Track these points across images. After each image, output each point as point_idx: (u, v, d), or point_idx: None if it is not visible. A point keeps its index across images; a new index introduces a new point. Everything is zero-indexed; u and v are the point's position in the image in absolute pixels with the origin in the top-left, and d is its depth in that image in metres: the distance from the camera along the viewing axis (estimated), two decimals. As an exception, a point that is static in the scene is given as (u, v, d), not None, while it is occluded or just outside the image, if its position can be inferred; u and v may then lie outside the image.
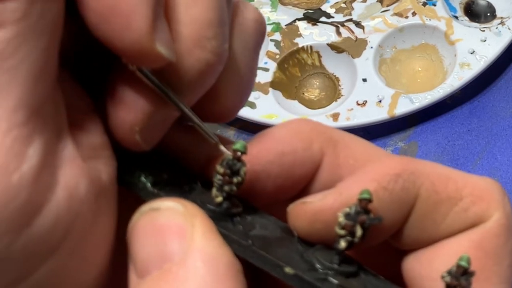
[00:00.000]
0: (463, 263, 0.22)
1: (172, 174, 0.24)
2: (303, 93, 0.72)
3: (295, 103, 0.71)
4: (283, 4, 0.77)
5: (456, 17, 0.72)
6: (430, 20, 0.72)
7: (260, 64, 0.71)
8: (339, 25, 0.74)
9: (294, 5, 0.77)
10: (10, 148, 0.19)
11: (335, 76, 0.73)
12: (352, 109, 0.68)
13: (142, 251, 0.22)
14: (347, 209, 0.23)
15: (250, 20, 0.25)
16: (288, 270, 0.22)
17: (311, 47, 0.73)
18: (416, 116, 0.69)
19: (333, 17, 0.75)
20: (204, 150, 0.25)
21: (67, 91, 0.22)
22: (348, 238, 0.23)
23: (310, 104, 0.71)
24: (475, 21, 0.73)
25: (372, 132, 0.69)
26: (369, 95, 0.68)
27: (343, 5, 0.76)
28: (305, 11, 0.76)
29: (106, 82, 0.23)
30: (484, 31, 0.70)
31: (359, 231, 0.23)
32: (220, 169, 0.23)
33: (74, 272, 0.21)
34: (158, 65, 0.21)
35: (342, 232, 0.23)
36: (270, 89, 0.71)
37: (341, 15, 0.75)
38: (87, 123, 0.22)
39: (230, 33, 0.24)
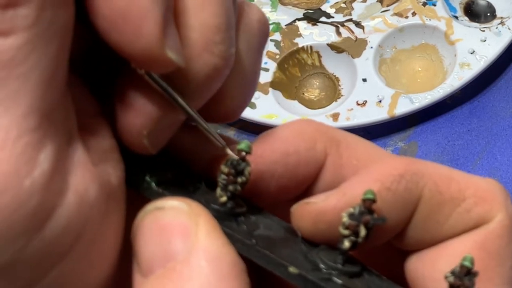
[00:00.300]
0: (467, 263, 0.22)
1: (177, 174, 0.24)
2: (303, 93, 0.72)
3: (295, 103, 0.71)
4: (283, 4, 0.77)
5: (456, 17, 0.73)
6: (430, 20, 0.72)
7: (260, 63, 0.71)
8: (339, 25, 0.74)
9: (294, 5, 0.77)
10: (21, 153, 0.19)
11: (335, 76, 0.73)
12: (352, 109, 0.68)
13: (147, 250, 0.22)
14: (351, 209, 0.23)
15: (254, 21, 0.25)
16: (292, 269, 0.22)
17: (311, 47, 0.73)
18: (416, 116, 0.69)
19: (333, 17, 0.75)
20: (208, 151, 0.25)
21: (76, 96, 0.22)
22: (352, 238, 0.23)
23: (310, 104, 0.71)
24: (475, 21, 0.73)
25: (372, 132, 0.69)
26: (369, 95, 0.68)
27: (343, 5, 0.76)
28: (305, 11, 0.76)
29: (114, 86, 0.23)
30: (484, 31, 0.70)
31: (363, 231, 0.23)
32: (225, 168, 0.23)
33: (83, 274, 0.21)
34: (168, 70, 0.21)
35: (346, 232, 0.23)
36: (270, 89, 0.71)
37: (341, 15, 0.75)
38: (96, 127, 0.22)
39: (235, 34, 0.24)
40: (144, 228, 0.22)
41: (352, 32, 0.73)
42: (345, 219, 0.23)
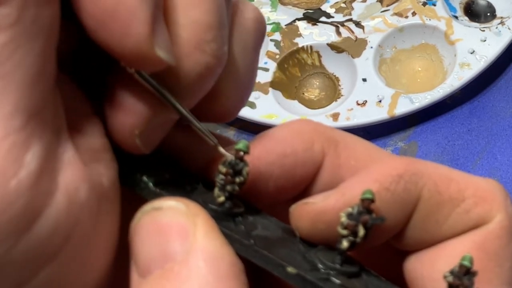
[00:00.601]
0: (466, 263, 0.22)
1: (174, 174, 0.24)
2: (303, 93, 0.72)
3: (295, 103, 0.71)
4: (283, 4, 0.77)
5: (456, 17, 0.72)
6: (430, 20, 0.72)
7: (260, 64, 0.71)
8: (339, 25, 0.74)
9: (294, 5, 0.77)
10: (7, 153, 0.19)
11: (335, 76, 0.73)
12: (352, 109, 0.68)
13: (144, 250, 0.22)
14: (350, 209, 0.23)
15: (250, 19, 0.25)
16: (290, 269, 0.22)
17: (311, 47, 0.73)
18: (416, 116, 0.69)
19: (333, 17, 0.75)
20: (204, 150, 0.25)
21: (65, 94, 0.22)
22: (350, 238, 0.23)
23: (310, 104, 0.71)
24: (475, 21, 0.73)
25: (372, 132, 0.69)
26: (369, 95, 0.68)
27: (343, 5, 0.76)
28: (305, 11, 0.76)
29: (105, 85, 0.23)
30: (484, 31, 0.70)
31: (361, 231, 0.23)
32: (223, 168, 0.23)
33: (75, 275, 0.21)
34: (158, 69, 0.21)
35: (344, 232, 0.23)
36: (270, 89, 0.71)
37: (341, 15, 0.75)
38: (87, 126, 0.22)
39: (230, 33, 0.24)
40: (141, 228, 0.22)
41: (352, 32, 0.73)
42: (344, 219, 0.23)
